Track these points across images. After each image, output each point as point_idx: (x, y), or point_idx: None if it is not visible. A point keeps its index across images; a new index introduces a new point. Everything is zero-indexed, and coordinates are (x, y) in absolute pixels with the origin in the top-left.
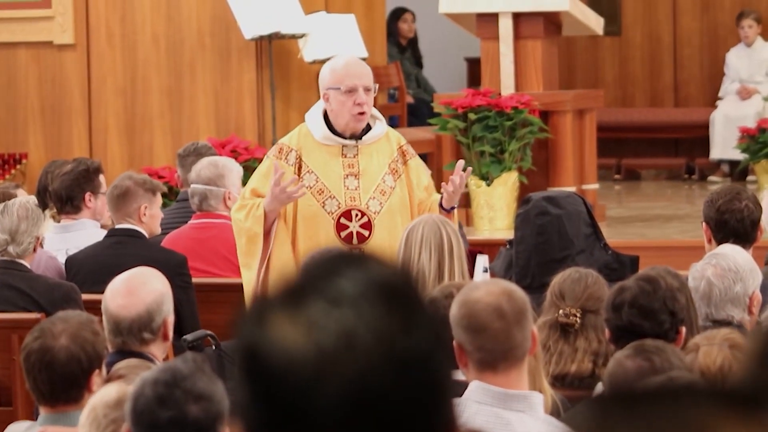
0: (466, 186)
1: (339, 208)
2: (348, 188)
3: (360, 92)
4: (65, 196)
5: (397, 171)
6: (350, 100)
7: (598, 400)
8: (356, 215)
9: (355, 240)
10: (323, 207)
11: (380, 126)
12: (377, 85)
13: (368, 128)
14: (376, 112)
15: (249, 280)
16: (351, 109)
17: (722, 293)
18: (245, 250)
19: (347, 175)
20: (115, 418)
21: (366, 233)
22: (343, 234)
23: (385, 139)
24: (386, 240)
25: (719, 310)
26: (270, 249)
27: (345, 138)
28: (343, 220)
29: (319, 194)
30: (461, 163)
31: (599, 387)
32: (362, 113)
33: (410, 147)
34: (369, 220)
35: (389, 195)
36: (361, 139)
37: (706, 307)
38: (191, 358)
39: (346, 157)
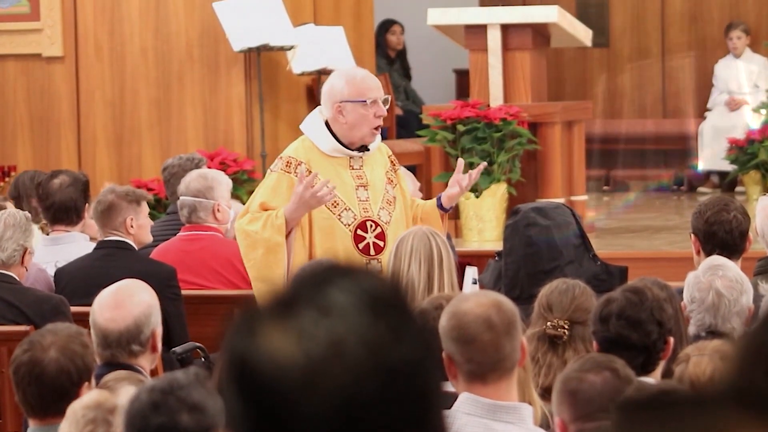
0: None
1: (355, 219)
2: (360, 199)
3: (380, 103)
4: (73, 207)
5: (392, 180)
6: (371, 112)
7: (621, 408)
8: (371, 226)
9: (372, 251)
10: (339, 219)
11: (377, 137)
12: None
13: None
14: None
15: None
16: (372, 122)
17: (731, 304)
18: (262, 262)
19: (358, 187)
20: (93, 417)
21: (381, 244)
22: (361, 245)
23: (378, 150)
24: None
25: (725, 321)
26: (291, 259)
27: (351, 150)
28: (359, 232)
29: (335, 206)
30: (462, 162)
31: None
32: (379, 126)
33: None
34: (382, 230)
35: (395, 204)
36: (368, 149)
37: (711, 318)
38: (194, 371)
39: (353, 168)
